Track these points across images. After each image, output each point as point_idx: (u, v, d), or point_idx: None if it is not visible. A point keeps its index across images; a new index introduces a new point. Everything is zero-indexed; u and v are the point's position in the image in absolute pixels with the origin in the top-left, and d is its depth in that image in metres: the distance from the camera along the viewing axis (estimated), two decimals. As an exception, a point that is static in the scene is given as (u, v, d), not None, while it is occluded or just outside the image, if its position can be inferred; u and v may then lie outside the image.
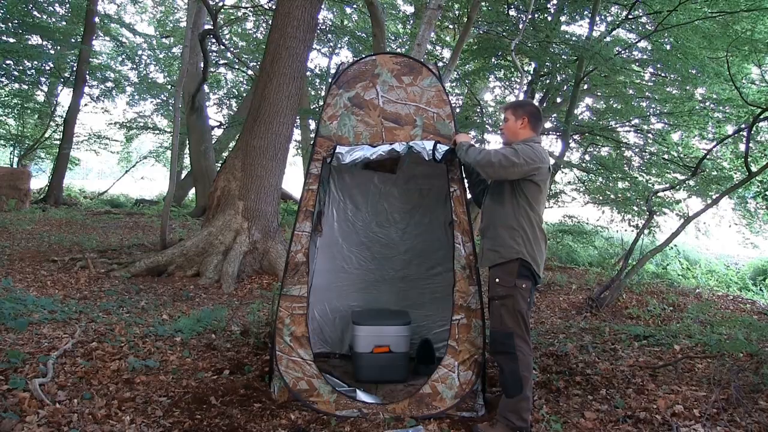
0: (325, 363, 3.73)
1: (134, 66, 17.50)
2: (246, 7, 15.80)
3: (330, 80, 3.46)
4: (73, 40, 14.30)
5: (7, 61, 12.79)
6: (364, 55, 3.58)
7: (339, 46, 15.44)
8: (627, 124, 10.77)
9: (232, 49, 15.96)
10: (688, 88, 9.53)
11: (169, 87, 17.27)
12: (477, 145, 3.07)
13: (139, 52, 17.76)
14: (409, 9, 14.59)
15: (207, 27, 12.07)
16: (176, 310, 5.02)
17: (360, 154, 3.12)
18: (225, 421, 2.90)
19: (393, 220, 4.17)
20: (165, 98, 17.54)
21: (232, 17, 16.32)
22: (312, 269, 3.42)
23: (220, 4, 13.76)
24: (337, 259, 4.14)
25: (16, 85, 15.10)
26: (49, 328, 4.01)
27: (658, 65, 9.55)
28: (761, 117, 5.57)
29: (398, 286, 4.15)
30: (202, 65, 12.19)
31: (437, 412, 3.04)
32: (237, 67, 16.52)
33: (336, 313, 4.13)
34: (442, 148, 3.08)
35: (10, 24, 12.58)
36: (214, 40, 13.18)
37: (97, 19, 13.93)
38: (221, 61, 16.47)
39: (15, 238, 8.06)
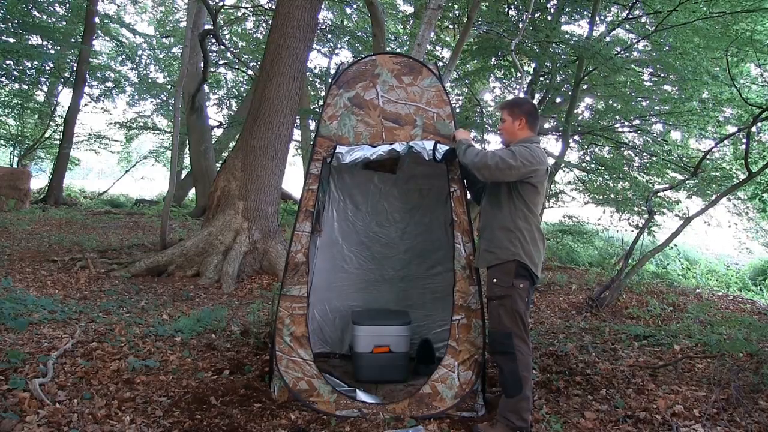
0: (325, 363, 3.73)
1: (134, 66, 17.51)
2: (246, 7, 15.81)
3: (330, 80, 3.45)
4: (73, 40, 14.30)
5: (7, 61, 12.80)
6: (364, 55, 3.58)
7: (339, 46, 15.43)
8: (627, 124, 10.77)
9: (232, 49, 15.95)
10: (687, 88, 9.53)
11: (169, 87, 17.27)
12: (475, 146, 3.07)
13: (139, 52, 17.77)
14: (409, 9, 14.58)
15: (207, 27, 12.06)
16: (176, 310, 5.02)
17: (360, 154, 3.12)
18: (225, 421, 2.90)
19: (393, 220, 4.17)
20: (165, 98, 17.53)
21: (232, 17, 16.32)
22: (312, 269, 3.42)
23: (220, 4, 13.75)
24: (337, 259, 4.14)
25: (16, 85, 15.11)
26: (49, 328, 4.01)
27: (658, 65, 9.55)
28: (761, 117, 5.57)
29: (398, 286, 4.15)
30: (202, 65, 12.19)
31: (437, 412, 3.04)
32: (237, 67, 16.52)
33: (336, 313, 4.13)
34: (442, 148, 3.08)
35: (10, 24, 12.57)
36: (214, 40, 13.18)
37: (97, 19, 13.93)
38: (221, 61, 16.46)
39: (15, 238, 8.06)
